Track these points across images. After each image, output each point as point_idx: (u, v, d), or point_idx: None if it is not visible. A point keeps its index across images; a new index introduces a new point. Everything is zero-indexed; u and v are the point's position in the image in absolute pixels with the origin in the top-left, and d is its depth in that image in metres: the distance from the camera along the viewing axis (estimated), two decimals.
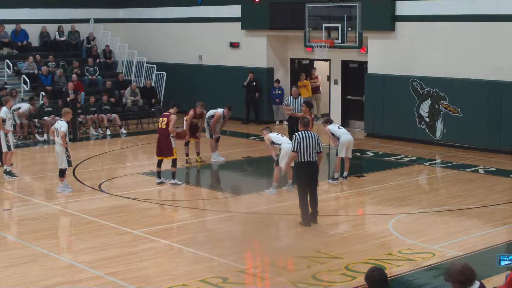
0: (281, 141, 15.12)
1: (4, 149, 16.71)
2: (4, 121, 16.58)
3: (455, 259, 10.58)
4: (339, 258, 10.86)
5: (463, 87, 19.80)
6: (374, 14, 21.24)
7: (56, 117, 22.35)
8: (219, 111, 18.47)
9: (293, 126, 21.78)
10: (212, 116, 18.38)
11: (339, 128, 16.34)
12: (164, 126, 15.96)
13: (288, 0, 23.89)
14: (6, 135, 16.61)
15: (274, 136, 15.38)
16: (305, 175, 12.70)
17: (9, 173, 16.75)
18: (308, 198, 12.67)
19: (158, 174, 16.14)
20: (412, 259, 10.75)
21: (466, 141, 19.88)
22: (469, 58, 19.72)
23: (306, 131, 12.70)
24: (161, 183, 16.05)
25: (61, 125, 15.10)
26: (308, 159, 12.55)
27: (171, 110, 16.29)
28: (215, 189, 16.56)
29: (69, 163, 15.38)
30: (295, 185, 14.35)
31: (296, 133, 12.79)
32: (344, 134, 16.03)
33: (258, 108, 25.34)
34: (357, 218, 13.77)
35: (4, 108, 16.86)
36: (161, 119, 16.21)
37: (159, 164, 16.10)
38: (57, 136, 15.12)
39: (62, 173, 15.30)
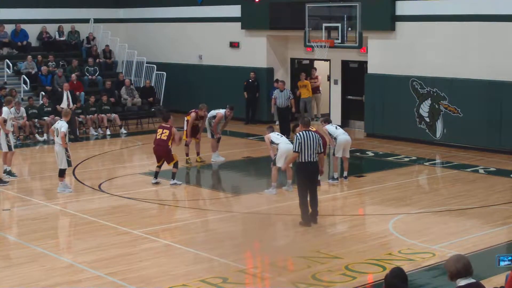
0: (279, 141, 15.14)
1: (5, 149, 16.71)
2: (5, 121, 16.59)
3: None
4: (339, 258, 10.86)
5: (463, 87, 19.80)
6: (374, 14, 21.23)
7: (56, 117, 22.39)
8: (221, 111, 18.46)
9: (283, 119, 21.96)
10: (214, 117, 18.36)
11: (336, 128, 16.32)
12: (165, 138, 15.88)
13: (288, 0, 23.89)
14: (6, 135, 16.61)
15: (274, 135, 15.40)
16: (305, 175, 12.69)
17: (9, 173, 16.76)
18: (308, 198, 12.67)
19: (155, 174, 16.13)
20: (412, 259, 10.75)
21: (466, 141, 19.87)
22: (469, 58, 19.72)
23: (307, 131, 12.69)
24: (156, 183, 16.03)
25: (61, 125, 15.11)
26: (309, 159, 12.53)
27: (169, 123, 16.16)
28: (215, 189, 16.55)
29: (69, 163, 15.38)
30: (294, 185, 14.39)
31: (298, 133, 12.76)
32: (342, 135, 16.02)
33: (257, 108, 25.37)
34: (357, 218, 13.77)
35: (5, 109, 16.85)
36: (160, 130, 16.04)
37: (160, 165, 16.10)
38: (57, 136, 15.12)
39: (61, 173, 15.31)
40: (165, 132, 15.91)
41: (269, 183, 15.37)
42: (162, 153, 15.95)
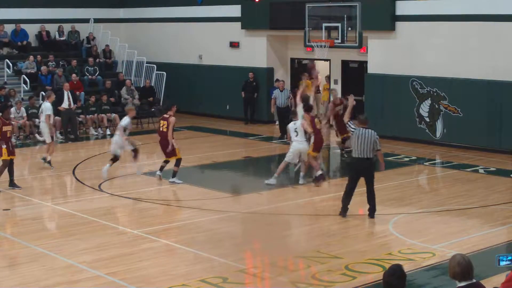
0: (294, 138, 15.54)
1: (48, 140, 17.79)
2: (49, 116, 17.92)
3: None
4: (339, 258, 10.86)
5: (463, 87, 19.80)
6: (374, 14, 21.24)
7: (57, 117, 22.39)
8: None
9: (282, 118, 21.99)
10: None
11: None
12: (165, 130, 15.95)
13: (288, 0, 23.89)
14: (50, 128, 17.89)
15: (292, 129, 15.66)
16: (354, 171, 13.01)
17: (49, 163, 17.88)
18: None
19: (161, 168, 16.25)
20: (412, 259, 10.75)
21: (466, 141, 19.87)
22: (469, 58, 19.72)
23: (364, 129, 12.80)
24: (159, 176, 16.19)
25: (123, 119, 16.76)
26: (359, 156, 12.70)
27: (170, 112, 16.24)
28: (215, 189, 16.54)
29: (133, 145, 16.92)
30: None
31: (355, 129, 12.95)
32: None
33: (256, 108, 25.37)
34: (357, 218, 13.76)
35: (48, 104, 17.97)
36: (161, 122, 16.19)
37: (166, 161, 16.24)
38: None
39: (135, 154, 17.02)
40: (165, 124, 16.01)
41: (269, 184, 15.44)
42: (163, 145, 16.04)
